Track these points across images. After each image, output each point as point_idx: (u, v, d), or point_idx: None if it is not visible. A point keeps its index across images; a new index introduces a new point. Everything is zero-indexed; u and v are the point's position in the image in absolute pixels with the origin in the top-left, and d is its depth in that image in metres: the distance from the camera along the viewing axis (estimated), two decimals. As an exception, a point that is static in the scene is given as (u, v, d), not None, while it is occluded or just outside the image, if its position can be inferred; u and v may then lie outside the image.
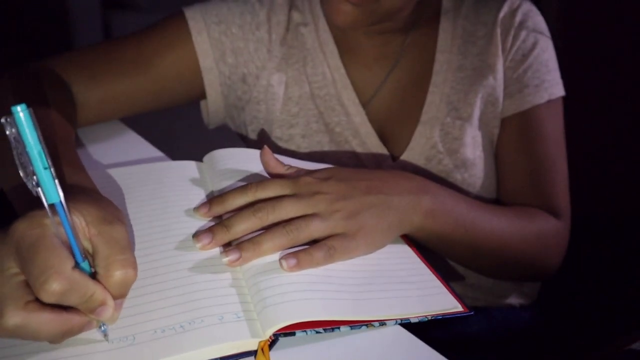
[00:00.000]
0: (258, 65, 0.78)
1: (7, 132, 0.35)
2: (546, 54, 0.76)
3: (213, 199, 0.53)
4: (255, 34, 0.77)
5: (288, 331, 0.41)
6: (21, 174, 0.37)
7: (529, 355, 0.79)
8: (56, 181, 0.37)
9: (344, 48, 0.78)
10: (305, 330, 0.42)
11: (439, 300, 0.48)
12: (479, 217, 0.62)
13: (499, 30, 0.75)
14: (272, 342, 0.42)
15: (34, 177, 0.36)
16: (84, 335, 0.40)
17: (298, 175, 0.55)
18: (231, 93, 0.79)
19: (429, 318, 0.46)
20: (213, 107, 0.80)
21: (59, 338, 0.39)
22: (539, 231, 0.70)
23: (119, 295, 0.40)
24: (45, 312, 0.37)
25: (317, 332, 0.43)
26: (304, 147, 0.77)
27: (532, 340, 0.81)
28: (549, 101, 0.75)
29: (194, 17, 0.75)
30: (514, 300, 0.83)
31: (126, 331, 0.41)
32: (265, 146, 0.58)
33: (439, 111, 0.75)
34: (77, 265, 0.38)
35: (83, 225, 0.40)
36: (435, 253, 0.62)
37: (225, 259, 0.47)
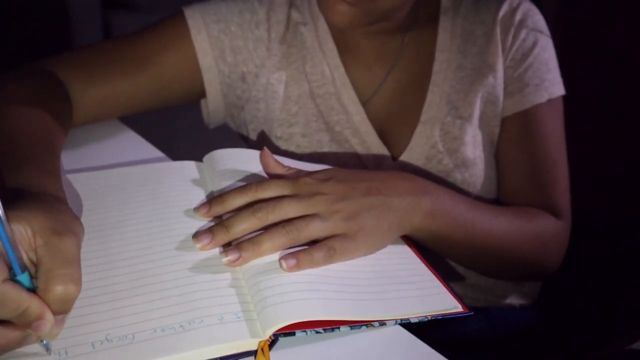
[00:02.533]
0: (257, 63, 0.78)
1: None
2: (546, 53, 0.76)
3: (213, 199, 0.53)
4: (254, 33, 0.77)
5: (288, 331, 0.41)
6: None
7: (529, 355, 0.79)
8: None
9: (343, 48, 0.78)
10: (305, 330, 0.42)
11: (439, 300, 0.48)
12: (479, 217, 0.62)
13: (498, 29, 0.75)
14: (272, 342, 0.42)
15: None
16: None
17: (298, 175, 0.55)
18: (231, 92, 0.79)
19: (429, 318, 0.46)
20: (213, 106, 0.80)
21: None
22: (539, 231, 0.70)
23: (60, 311, 0.39)
24: None
25: (317, 332, 0.43)
26: (304, 146, 0.77)
27: (532, 340, 0.81)
28: (549, 100, 0.75)
29: (193, 16, 0.76)
30: (514, 300, 0.83)
31: (126, 330, 0.41)
32: (265, 147, 0.58)
33: (439, 110, 0.75)
34: (13, 278, 0.37)
35: (29, 235, 0.39)
36: (435, 253, 0.62)
37: (225, 259, 0.47)
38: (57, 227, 0.40)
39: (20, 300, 0.37)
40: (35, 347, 0.39)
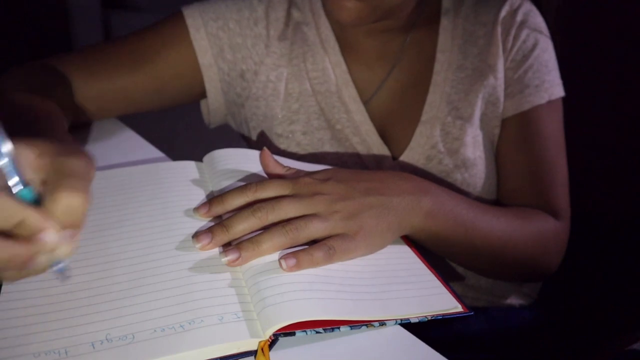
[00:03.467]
0: (256, 61, 0.78)
1: None
2: (546, 54, 0.76)
3: (213, 199, 0.53)
4: (253, 30, 0.78)
5: (288, 331, 0.41)
6: None
7: (529, 355, 0.79)
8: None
9: (345, 46, 0.78)
10: (305, 330, 0.42)
11: (439, 300, 0.48)
12: (479, 217, 0.62)
13: (499, 30, 0.75)
14: (272, 342, 0.42)
15: None
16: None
17: (297, 175, 0.55)
18: (231, 89, 0.79)
19: (429, 318, 0.46)
20: (214, 105, 0.80)
21: (4, 267, 0.37)
22: (538, 232, 0.70)
23: (68, 224, 0.38)
24: None
25: (317, 332, 0.43)
26: (305, 144, 0.77)
27: (532, 340, 0.81)
28: (549, 102, 0.75)
29: (192, 15, 0.76)
30: (514, 300, 0.83)
31: (126, 330, 0.41)
32: (265, 147, 0.59)
33: (439, 111, 0.75)
34: (13, 191, 0.37)
35: (32, 157, 0.39)
36: (435, 253, 0.62)
37: (225, 259, 0.47)
38: (62, 150, 0.40)
39: (14, 209, 0.36)
40: None
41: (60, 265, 0.39)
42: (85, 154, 0.41)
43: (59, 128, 0.59)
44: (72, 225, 0.38)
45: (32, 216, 0.36)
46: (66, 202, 0.37)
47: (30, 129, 0.52)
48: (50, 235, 0.37)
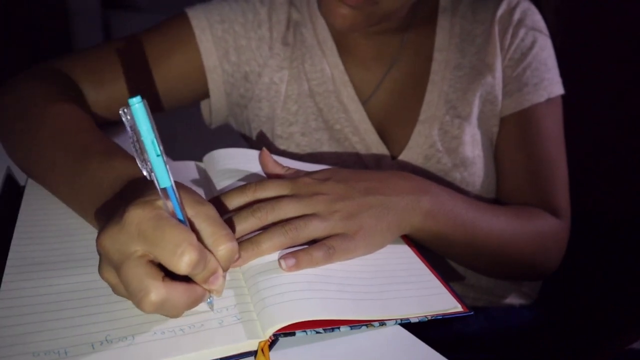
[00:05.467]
0: (260, 63, 0.78)
1: (124, 121, 0.38)
2: (545, 52, 0.76)
3: (212, 199, 0.53)
4: (257, 32, 0.78)
5: (288, 331, 0.41)
6: (137, 160, 0.39)
7: (529, 355, 0.79)
8: (167, 167, 0.39)
9: (343, 47, 0.78)
10: (305, 330, 0.42)
11: (439, 300, 0.48)
12: (479, 217, 0.62)
13: (497, 29, 0.75)
14: (272, 342, 0.42)
15: (148, 164, 0.38)
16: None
17: (297, 175, 0.55)
18: (234, 91, 0.79)
19: (429, 318, 0.46)
20: (216, 106, 0.80)
21: (186, 309, 0.40)
22: (538, 230, 0.70)
23: (225, 268, 0.42)
24: (179, 284, 0.39)
25: (317, 332, 0.43)
26: (304, 144, 0.77)
27: (532, 340, 0.81)
28: (548, 100, 0.75)
29: (197, 17, 0.76)
30: (514, 300, 0.83)
31: (125, 331, 0.41)
32: (264, 148, 0.58)
33: (437, 110, 0.75)
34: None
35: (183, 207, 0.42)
36: (435, 253, 0.62)
37: (225, 259, 0.47)
38: (196, 197, 0.43)
39: (209, 256, 0.40)
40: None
41: (210, 299, 0.43)
42: (206, 200, 0.44)
43: (120, 149, 0.56)
44: (226, 269, 0.42)
45: (213, 260, 0.41)
46: (230, 249, 0.41)
47: (108, 160, 0.51)
48: (221, 278, 0.41)
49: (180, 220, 0.40)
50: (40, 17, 2.27)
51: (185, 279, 0.40)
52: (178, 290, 0.39)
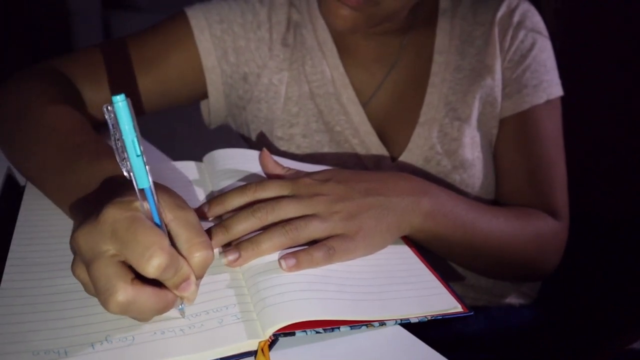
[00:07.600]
0: (259, 64, 0.78)
1: (107, 118, 0.37)
2: (544, 54, 0.76)
3: (212, 199, 0.53)
4: (256, 33, 0.77)
5: (288, 331, 0.41)
6: (117, 158, 0.38)
7: (529, 355, 0.79)
8: (147, 168, 0.39)
9: (343, 48, 0.78)
10: (305, 330, 0.42)
11: (438, 300, 0.48)
12: (478, 218, 0.62)
13: (496, 30, 0.75)
14: (272, 342, 0.42)
15: (127, 163, 0.38)
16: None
17: (297, 176, 0.55)
18: (233, 92, 0.79)
19: (429, 318, 0.46)
20: (215, 107, 0.80)
21: (154, 314, 0.40)
22: (537, 231, 0.70)
23: (199, 276, 0.42)
24: (148, 287, 0.39)
25: (317, 332, 0.43)
26: (305, 146, 0.77)
27: (532, 340, 0.81)
28: (548, 101, 0.75)
29: (196, 16, 0.76)
30: (513, 300, 0.83)
31: (126, 331, 0.41)
32: (264, 148, 0.58)
33: (437, 112, 0.75)
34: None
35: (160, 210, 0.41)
36: (435, 253, 0.62)
37: (225, 259, 0.47)
38: (177, 202, 0.42)
39: (180, 261, 0.40)
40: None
41: (182, 306, 0.42)
42: (187, 205, 0.44)
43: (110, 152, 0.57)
44: (200, 277, 0.42)
45: (185, 266, 0.40)
46: (204, 257, 0.41)
47: (97, 161, 0.51)
48: (193, 285, 0.41)
49: (156, 223, 0.40)
50: (40, 17, 2.27)
51: (159, 285, 0.40)
52: (146, 293, 0.38)
